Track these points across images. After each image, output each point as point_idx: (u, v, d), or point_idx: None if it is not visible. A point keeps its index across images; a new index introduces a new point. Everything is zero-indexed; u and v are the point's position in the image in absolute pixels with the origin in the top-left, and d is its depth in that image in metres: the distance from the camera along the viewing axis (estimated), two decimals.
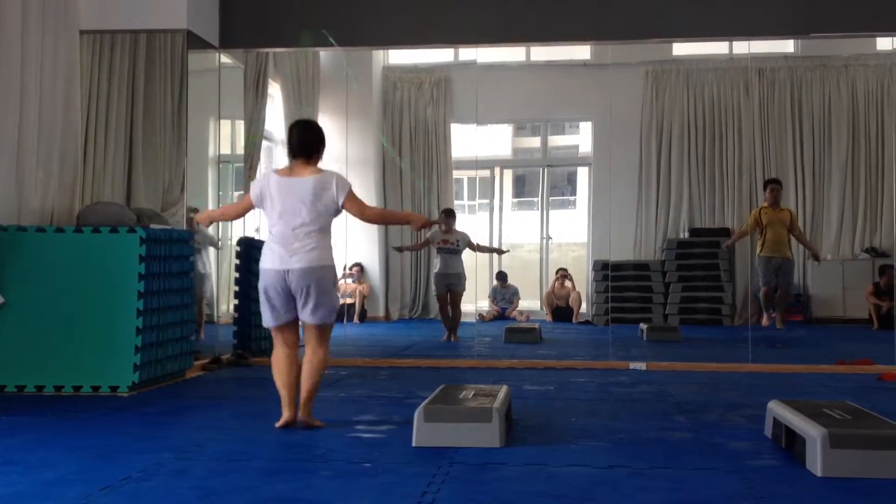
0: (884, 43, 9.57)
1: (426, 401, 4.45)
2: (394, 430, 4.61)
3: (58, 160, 6.70)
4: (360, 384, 6.33)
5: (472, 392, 4.64)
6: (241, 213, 5.27)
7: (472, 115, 9.49)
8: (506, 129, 12.10)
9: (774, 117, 10.52)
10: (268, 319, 4.78)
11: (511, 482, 3.61)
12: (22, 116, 6.33)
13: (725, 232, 10.42)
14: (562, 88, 11.00)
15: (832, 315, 10.24)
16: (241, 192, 8.19)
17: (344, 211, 4.77)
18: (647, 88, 10.86)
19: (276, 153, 9.38)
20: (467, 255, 9.60)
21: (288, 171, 4.79)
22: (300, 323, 4.82)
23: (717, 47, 10.38)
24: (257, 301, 7.84)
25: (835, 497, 3.41)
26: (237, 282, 7.87)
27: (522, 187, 12.23)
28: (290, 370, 4.75)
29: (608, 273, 9.83)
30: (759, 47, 9.38)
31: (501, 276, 11.19)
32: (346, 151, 8.75)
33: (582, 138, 12.07)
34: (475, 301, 9.95)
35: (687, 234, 10.69)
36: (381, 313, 11.09)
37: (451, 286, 9.30)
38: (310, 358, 4.76)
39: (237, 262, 7.88)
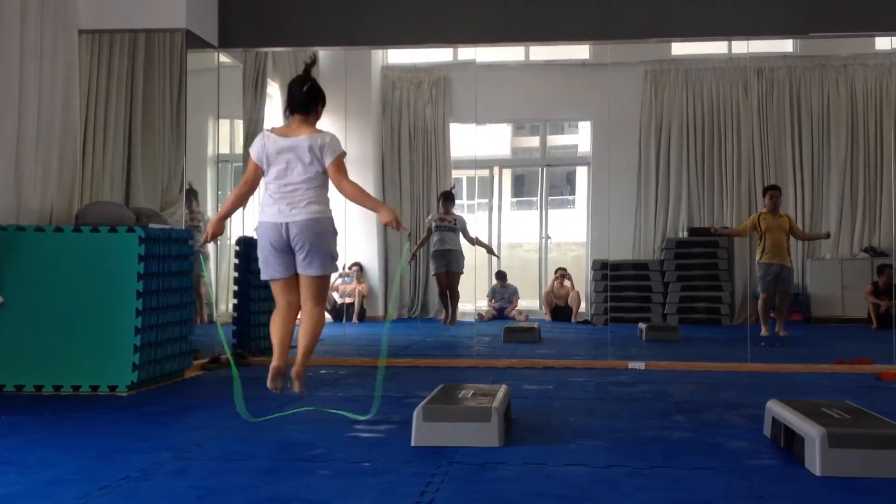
0: (882, 43, 9.58)
1: (425, 400, 4.45)
2: (393, 429, 4.60)
3: (56, 160, 6.69)
4: (359, 384, 6.33)
5: (471, 391, 4.65)
6: (251, 186, 4.92)
7: (471, 114, 9.49)
8: (505, 129, 12.09)
9: (773, 117, 10.52)
10: (267, 272, 4.82)
11: (510, 482, 3.61)
12: (21, 116, 6.32)
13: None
14: (561, 88, 10.99)
15: (831, 314, 10.24)
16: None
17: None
18: (646, 88, 10.85)
19: None
20: (467, 256, 9.58)
21: (285, 130, 4.80)
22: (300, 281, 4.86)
23: (716, 47, 10.38)
24: (257, 301, 7.97)
25: (834, 496, 3.41)
26: (236, 281, 7.87)
27: (521, 187, 12.22)
28: (288, 323, 4.88)
29: (607, 273, 9.81)
30: (758, 47, 9.36)
31: (500, 276, 11.19)
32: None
33: (581, 138, 12.05)
34: (474, 300, 9.94)
35: (686, 234, 10.69)
36: (381, 313, 11.08)
37: (449, 265, 9.32)
38: (307, 316, 4.83)
39: (236, 261, 7.88)
